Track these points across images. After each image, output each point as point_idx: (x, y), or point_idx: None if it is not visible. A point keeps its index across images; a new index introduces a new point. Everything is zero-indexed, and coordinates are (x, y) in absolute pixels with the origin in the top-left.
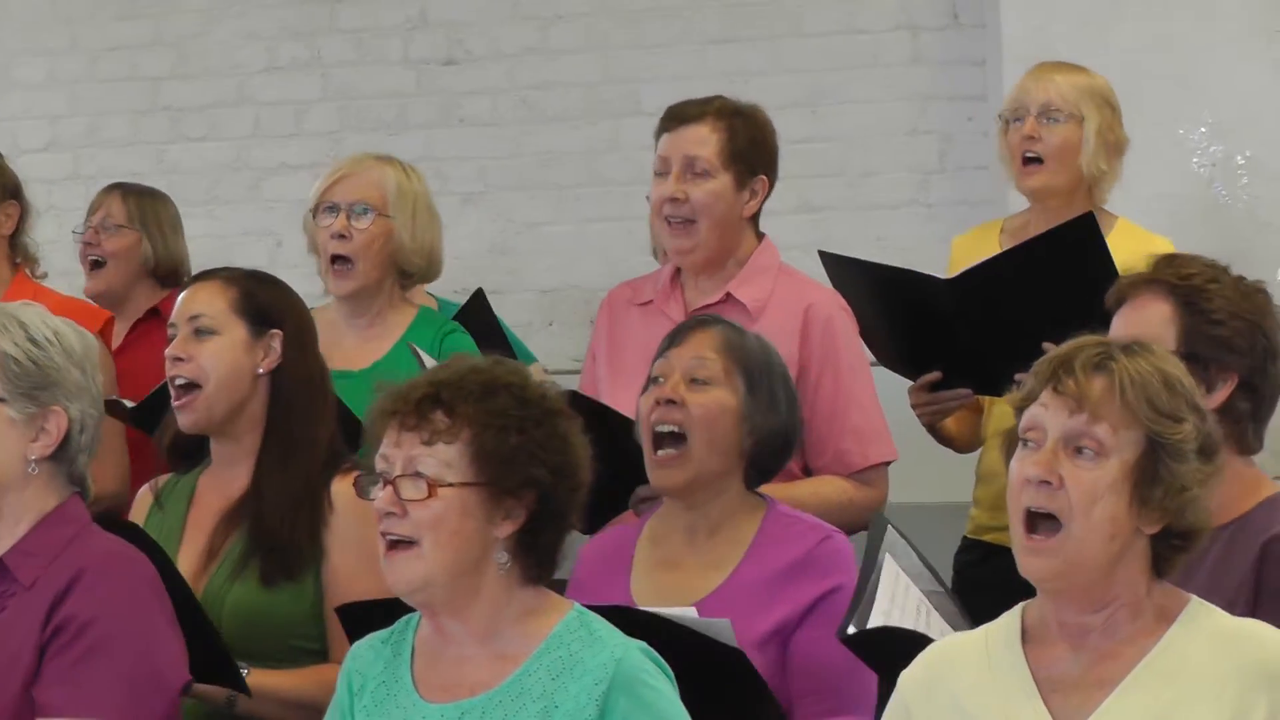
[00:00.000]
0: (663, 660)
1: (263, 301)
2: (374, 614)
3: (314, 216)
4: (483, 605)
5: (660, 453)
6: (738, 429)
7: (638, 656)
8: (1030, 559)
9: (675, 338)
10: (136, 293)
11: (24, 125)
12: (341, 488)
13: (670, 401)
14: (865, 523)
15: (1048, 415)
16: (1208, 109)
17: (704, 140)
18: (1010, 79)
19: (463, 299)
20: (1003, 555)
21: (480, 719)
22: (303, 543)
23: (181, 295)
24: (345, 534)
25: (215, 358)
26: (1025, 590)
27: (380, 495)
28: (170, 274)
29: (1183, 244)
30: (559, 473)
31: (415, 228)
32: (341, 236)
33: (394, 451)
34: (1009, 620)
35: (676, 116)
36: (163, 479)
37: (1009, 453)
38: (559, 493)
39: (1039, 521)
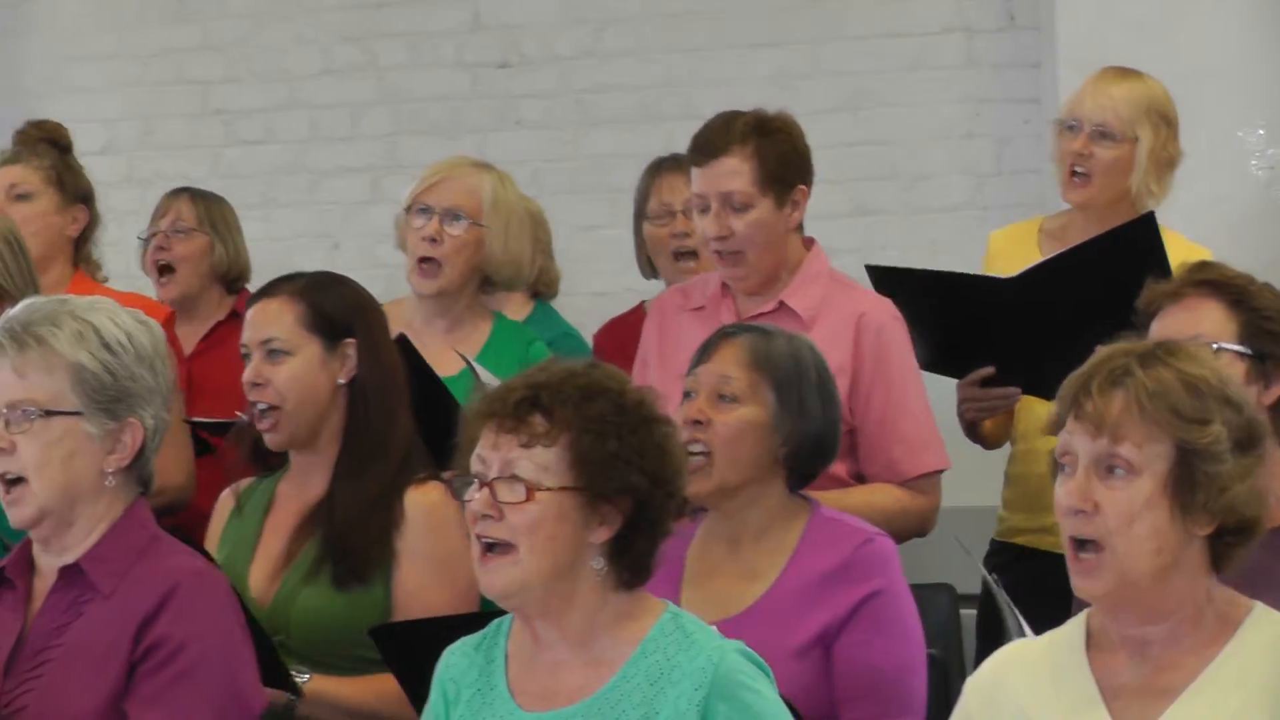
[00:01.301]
0: (760, 658)
1: (332, 311)
2: (406, 636)
3: (406, 216)
4: (577, 610)
5: (690, 462)
6: (767, 441)
7: (735, 658)
8: (1081, 580)
9: (704, 352)
10: (206, 298)
11: (79, 129)
12: (416, 498)
13: (697, 422)
14: (915, 531)
15: (1075, 441)
16: (1265, 112)
17: (736, 172)
18: (1066, 81)
19: None
20: (1035, 558)
21: None
22: (373, 548)
23: (249, 314)
24: (416, 545)
25: (292, 378)
26: (1058, 593)
27: (476, 498)
28: (237, 278)
29: (1239, 247)
30: (655, 479)
31: (507, 238)
32: (433, 240)
33: (491, 454)
34: (1073, 627)
35: (703, 150)
36: (244, 483)
37: (1055, 475)
38: (655, 499)
39: (1084, 543)
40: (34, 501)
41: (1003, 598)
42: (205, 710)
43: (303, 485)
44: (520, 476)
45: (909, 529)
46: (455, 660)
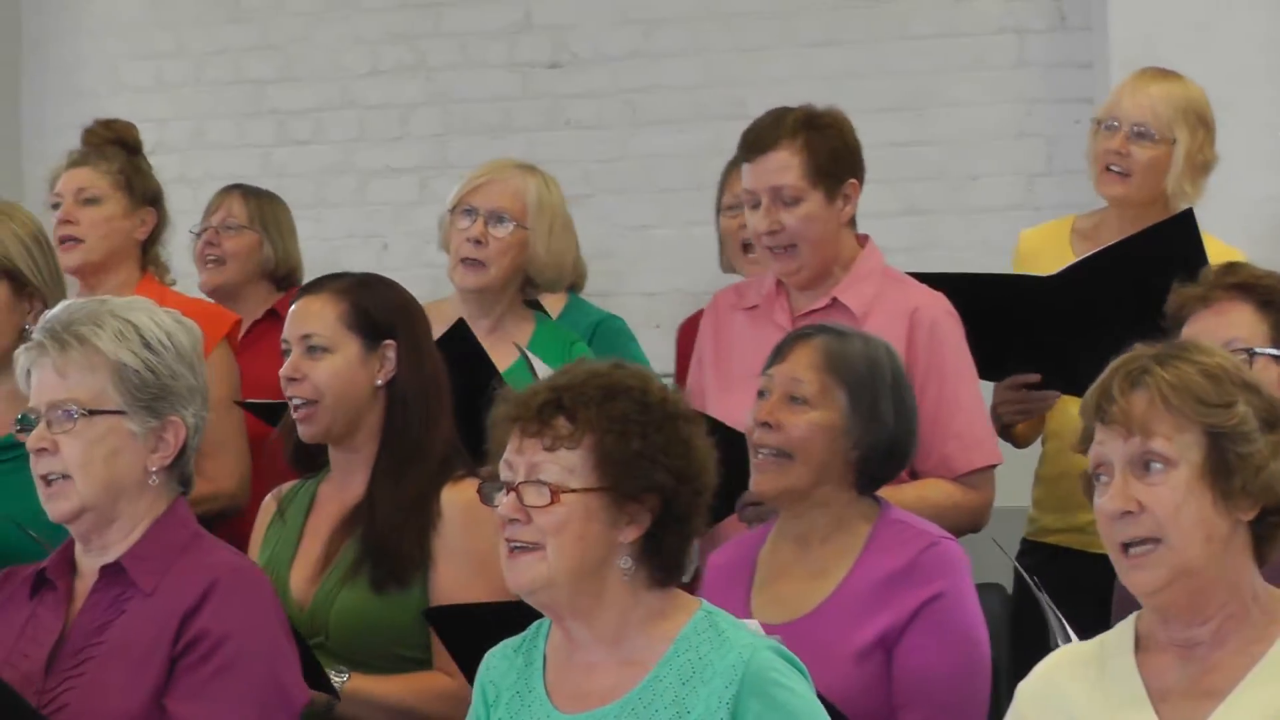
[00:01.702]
0: (794, 656)
1: (374, 312)
2: (464, 619)
3: (450, 216)
4: (608, 609)
5: (760, 456)
6: (838, 445)
7: (767, 655)
8: (1135, 574)
9: (779, 352)
10: (251, 293)
11: None
12: (452, 496)
13: (768, 424)
14: (969, 526)
15: (1107, 449)
16: None
17: (786, 166)
18: (1117, 81)
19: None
20: (1067, 557)
21: None
22: (412, 550)
23: (291, 309)
24: (453, 543)
25: (330, 375)
26: (1091, 592)
27: (504, 502)
28: (287, 276)
29: None
30: (682, 477)
31: (551, 241)
32: (477, 242)
33: (516, 458)
34: (1123, 629)
35: (753, 146)
36: (286, 486)
37: (1091, 493)
38: (682, 497)
39: (1135, 544)
40: (75, 497)
41: (1045, 599)
42: (247, 703)
43: (342, 486)
44: (545, 480)
45: (962, 525)
46: (495, 663)
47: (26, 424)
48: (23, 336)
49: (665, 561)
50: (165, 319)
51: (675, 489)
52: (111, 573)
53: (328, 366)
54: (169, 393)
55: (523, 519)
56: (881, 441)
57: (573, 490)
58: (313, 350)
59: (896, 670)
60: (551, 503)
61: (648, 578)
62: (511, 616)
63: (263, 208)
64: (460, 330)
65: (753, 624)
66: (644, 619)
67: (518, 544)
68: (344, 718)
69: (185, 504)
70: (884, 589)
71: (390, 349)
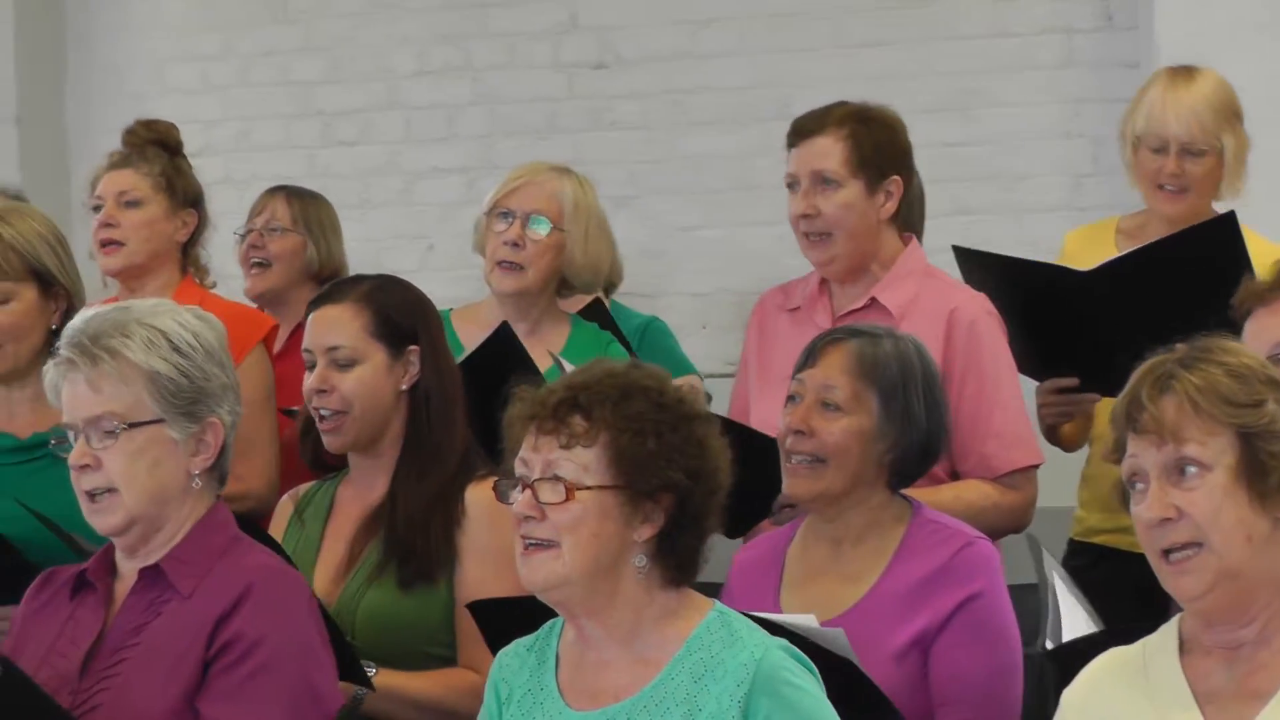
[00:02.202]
0: (806, 657)
1: (397, 318)
2: (506, 612)
3: (486, 219)
4: (621, 608)
5: (792, 463)
6: (872, 449)
7: (779, 655)
8: (1179, 580)
9: (810, 355)
10: (296, 296)
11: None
12: (476, 495)
13: (801, 432)
14: (1010, 526)
15: (1141, 458)
16: None
17: (828, 152)
18: None
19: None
20: (1115, 558)
21: None
22: (437, 548)
23: (311, 319)
24: (478, 541)
25: (359, 386)
26: (1139, 592)
27: (519, 499)
28: (331, 277)
29: None
30: (696, 476)
31: (587, 243)
32: (515, 245)
33: (532, 455)
34: (1166, 632)
35: (800, 130)
36: (303, 488)
37: (1126, 502)
38: (697, 496)
39: (1176, 550)
40: (122, 510)
41: (1054, 584)
42: (279, 706)
43: (363, 489)
44: (561, 477)
45: (1002, 525)
46: (508, 661)
47: (62, 441)
48: (51, 336)
49: (679, 560)
50: (190, 319)
51: (690, 488)
52: (150, 575)
53: (356, 377)
54: (204, 394)
55: (538, 516)
56: (915, 442)
57: (588, 488)
58: (339, 363)
59: (934, 670)
60: (566, 500)
61: (661, 576)
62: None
63: (307, 209)
64: (504, 333)
65: (809, 618)
66: (657, 618)
67: (532, 541)
68: (373, 713)
69: (225, 507)
70: (921, 590)
71: (414, 354)
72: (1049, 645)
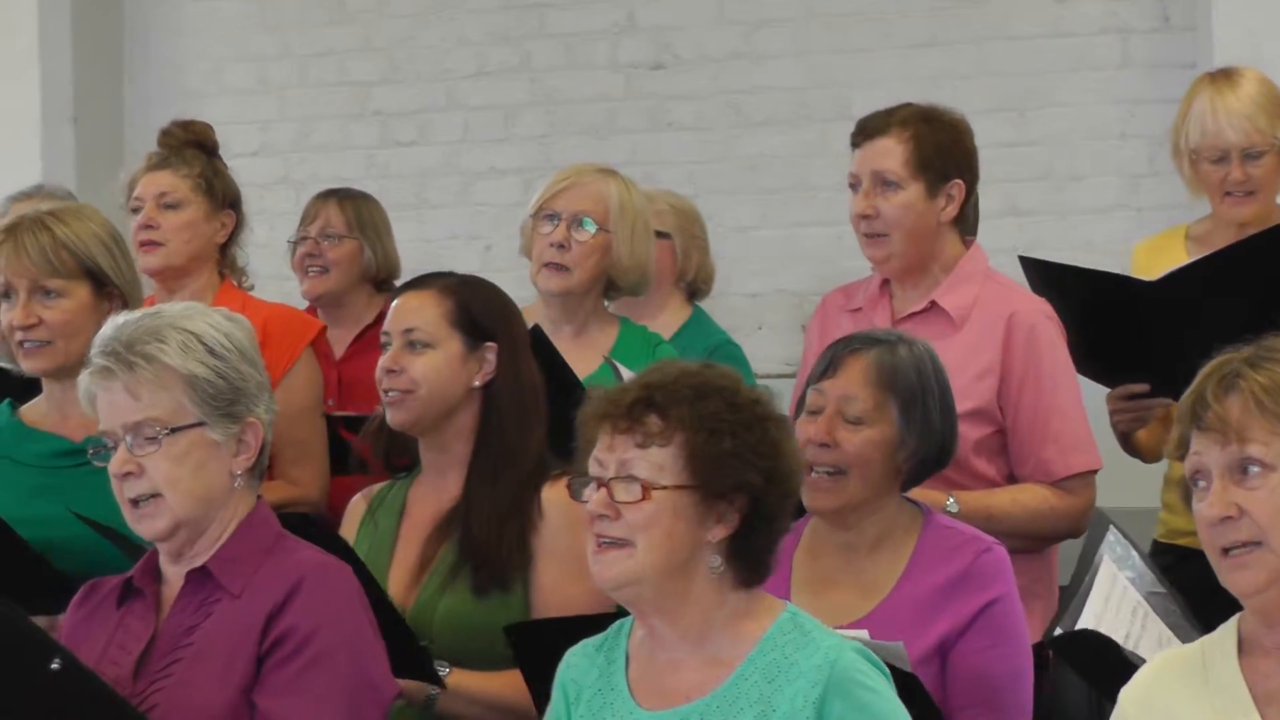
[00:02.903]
0: (878, 659)
1: (478, 313)
2: (544, 634)
3: (532, 221)
4: (693, 608)
5: (814, 474)
6: (892, 459)
7: (852, 657)
8: (1235, 575)
9: (829, 365)
10: (354, 299)
11: (235, 130)
12: (551, 495)
13: (824, 444)
14: (1067, 531)
15: (1204, 456)
16: None
17: (889, 152)
18: None
19: None
20: (1199, 559)
21: None
22: (512, 552)
23: (394, 304)
24: (554, 542)
25: (430, 369)
26: (1226, 593)
27: (594, 497)
28: (386, 279)
29: None
30: (771, 477)
31: (633, 243)
32: (560, 246)
33: (607, 455)
34: (1224, 632)
35: (863, 130)
36: (375, 488)
37: (1188, 499)
38: (771, 497)
39: (1235, 548)
40: (168, 514)
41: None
42: (336, 696)
43: (436, 489)
44: (636, 476)
45: (1059, 530)
46: (576, 661)
47: (100, 450)
48: (86, 364)
49: (752, 561)
50: (220, 321)
51: (764, 489)
52: (198, 577)
53: (428, 361)
54: (242, 394)
55: (612, 515)
56: (932, 447)
57: (663, 487)
58: (414, 345)
59: (956, 674)
60: (642, 499)
61: (734, 578)
62: (596, 628)
63: (360, 212)
64: (536, 335)
65: (861, 634)
66: (729, 618)
67: (606, 539)
68: (446, 713)
69: (267, 506)
70: (939, 596)
71: (490, 351)
72: (1058, 631)
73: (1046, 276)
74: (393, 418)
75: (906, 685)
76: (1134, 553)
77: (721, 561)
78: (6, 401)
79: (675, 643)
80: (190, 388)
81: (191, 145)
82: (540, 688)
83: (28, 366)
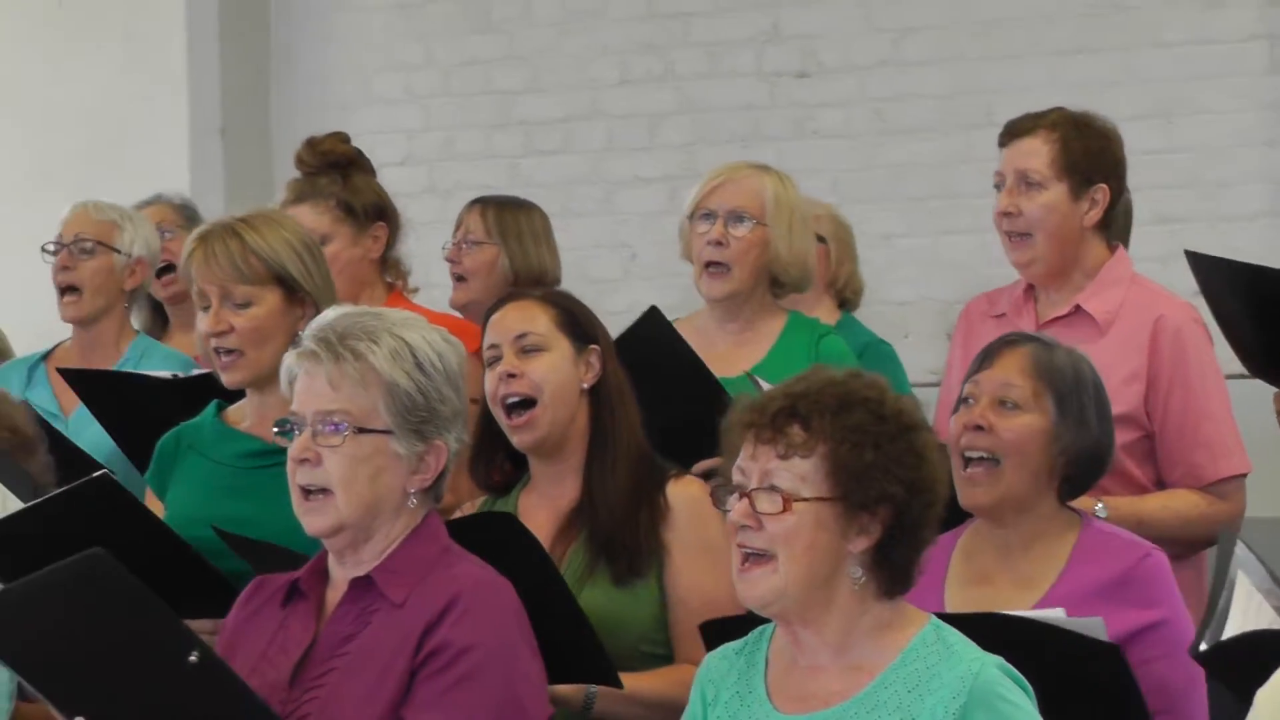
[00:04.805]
0: (1021, 676)
1: (580, 318)
2: (732, 628)
3: (690, 223)
4: (836, 618)
5: (969, 470)
6: (1048, 450)
7: (995, 672)
8: None
9: (985, 358)
10: None
11: (381, 140)
12: (678, 490)
13: (979, 428)
14: (1218, 537)
15: None
16: None
17: (1035, 152)
18: None
19: None
20: None
21: None
22: (645, 540)
23: (495, 318)
24: (685, 535)
25: (549, 371)
26: None
27: (736, 507)
28: (536, 284)
29: None
30: (914, 488)
31: (791, 238)
32: (718, 244)
33: (750, 464)
34: None
35: (1011, 130)
36: (480, 500)
37: None
38: (914, 508)
39: None
40: (335, 514)
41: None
42: (482, 715)
43: (551, 496)
44: (778, 487)
45: (1211, 535)
46: (715, 664)
47: (285, 429)
48: (295, 344)
49: (895, 572)
50: (437, 339)
51: (907, 500)
52: (361, 585)
53: (546, 363)
54: (436, 416)
55: (754, 525)
56: (1087, 448)
57: (805, 499)
58: (528, 350)
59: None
60: (783, 511)
61: (876, 588)
62: None
63: (503, 219)
64: (652, 317)
65: (1058, 612)
66: (871, 629)
67: (750, 551)
68: (603, 714)
69: (438, 517)
70: (1100, 595)
71: (594, 354)
72: (1204, 646)
73: (1213, 273)
74: (522, 440)
75: (1108, 656)
76: (1262, 568)
77: (863, 573)
78: (215, 402)
79: (818, 649)
80: (389, 394)
81: (324, 168)
82: None
83: (226, 380)
